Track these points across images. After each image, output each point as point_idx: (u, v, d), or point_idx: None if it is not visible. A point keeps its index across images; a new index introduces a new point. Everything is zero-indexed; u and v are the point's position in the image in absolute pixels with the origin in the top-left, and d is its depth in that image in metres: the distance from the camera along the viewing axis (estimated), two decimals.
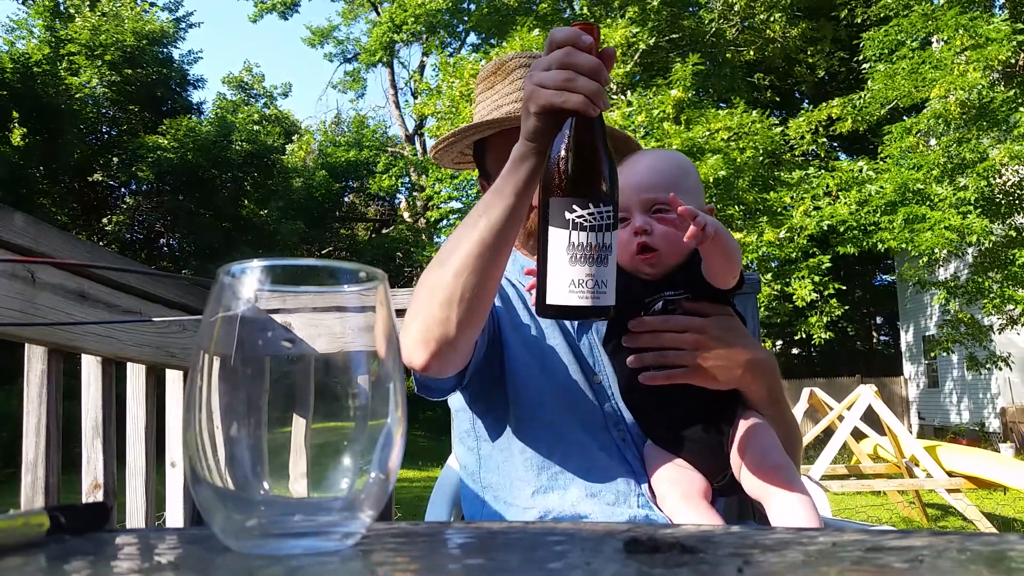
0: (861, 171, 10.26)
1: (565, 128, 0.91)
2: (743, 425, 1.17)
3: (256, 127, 18.54)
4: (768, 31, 16.09)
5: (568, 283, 0.87)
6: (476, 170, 1.50)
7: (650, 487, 1.24)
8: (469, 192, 13.00)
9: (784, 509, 1.08)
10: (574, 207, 0.87)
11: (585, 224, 0.87)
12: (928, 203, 9.45)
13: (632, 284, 1.16)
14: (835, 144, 18.15)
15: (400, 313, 1.45)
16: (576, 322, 1.37)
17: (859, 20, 12.81)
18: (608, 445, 1.28)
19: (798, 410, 6.58)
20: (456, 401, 1.42)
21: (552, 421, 1.28)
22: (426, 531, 0.55)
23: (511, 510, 1.29)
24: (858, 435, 6.66)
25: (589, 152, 0.90)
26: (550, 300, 0.88)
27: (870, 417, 6.16)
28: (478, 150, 1.45)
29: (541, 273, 0.90)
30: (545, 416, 1.28)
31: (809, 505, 1.08)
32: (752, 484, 1.13)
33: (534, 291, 1.39)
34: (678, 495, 1.16)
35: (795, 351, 25.09)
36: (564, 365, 1.32)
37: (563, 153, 0.89)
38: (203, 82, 19.77)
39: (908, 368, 19.10)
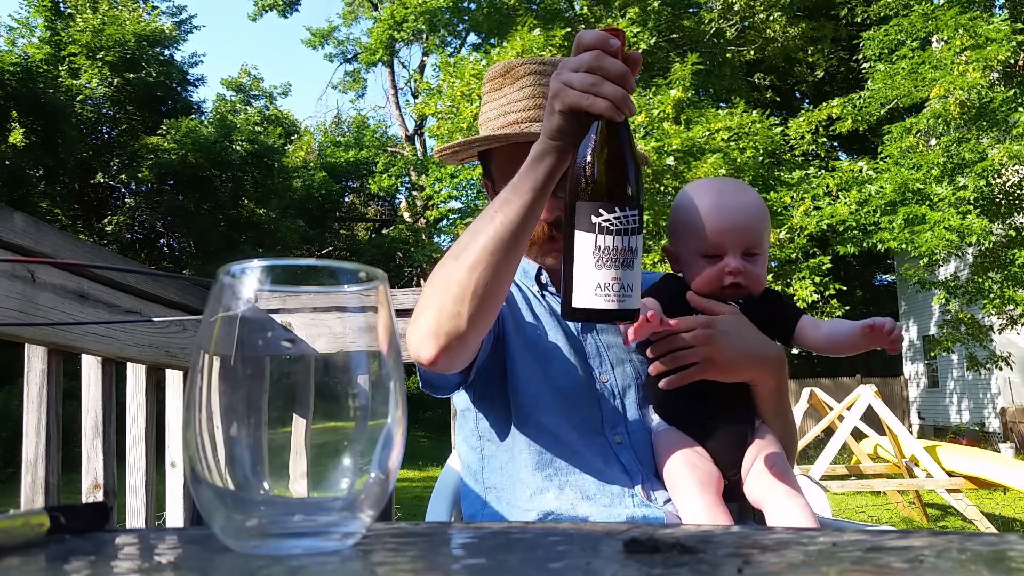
0: (861, 171, 10.25)
1: (591, 132, 0.91)
2: (758, 435, 1.24)
3: (257, 128, 18.53)
4: (768, 31, 16.08)
5: (594, 287, 0.88)
6: (479, 165, 1.50)
7: (646, 485, 1.24)
8: (469, 192, 13.00)
9: (782, 515, 1.10)
10: (600, 211, 0.88)
11: (612, 228, 0.87)
12: (928, 203, 9.45)
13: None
14: (835, 144, 18.15)
15: (400, 313, 1.45)
16: (580, 323, 1.37)
17: (859, 20, 12.81)
18: (604, 449, 1.28)
19: (798, 410, 6.59)
20: (461, 401, 1.42)
21: (549, 423, 1.28)
22: (426, 531, 0.55)
23: (512, 511, 1.29)
24: (858, 435, 6.66)
25: (616, 157, 0.90)
26: (576, 303, 0.89)
27: (870, 417, 6.16)
28: (483, 153, 1.45)
29: (567, 277, 0.90)
30: (542, 418, 1.28)
31: (808, 512, 1.10)
32: (753, 489, 1.16)
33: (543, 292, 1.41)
34: (696, 480, 1.17)
35: (795, 351, 25.06)
36: (566, 367, 1.32)
37: (589, 157, 0.90)
38: (203, 81, 19.77)
39: (908, 368, 19.10)
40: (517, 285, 1.41)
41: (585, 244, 0.88)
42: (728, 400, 1.23)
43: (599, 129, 0.91)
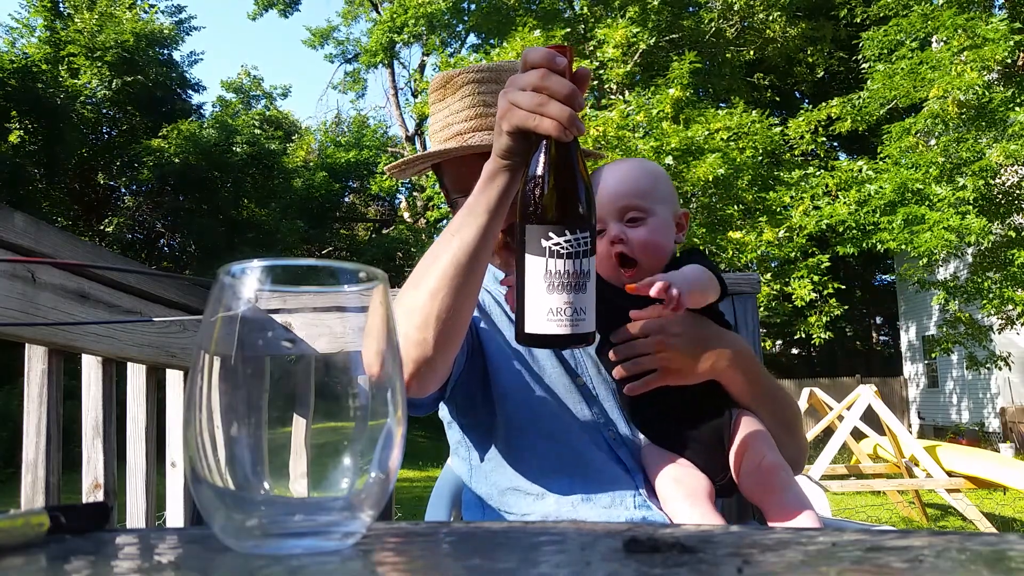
0: (861, 171, 10.26)
1: (539, 153, 0.89)
2: (739, 427, 1.18)
3: (257, 131, 18.50)
4: (768, 31, 16.09)
5: (546, 312, 0.85)
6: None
7: (648, 487, 1.24)
8: None
9: (782, 513, 1.09)
10: (550, 234, 0.85)
11: (562, 252, 0.85)
12: (927, 203, 9.46)
13: (620, 297, 1.14)
14: (835, 144, 18.16)
15: None
16: None
17: (859, 20, 12.82)
18: (601, 445, 1.28)
19: None
20: (445, 414, 1.43)
21: (543, 426, 1.27)
22: (426, 531, 0.55)
23: (509, 519, 1.28)
24: (858, 435, 6.67)
25: (564, 178, 0.88)
26: (528, 329, 0.87)
27: (870, 417, 6.16)
28: (435, 166, 1.43)
29: (519, 301, 0.88)
30: (536, 422, 1.28)
31: (807, 507, 1.09)
32: (749, 489, 1.14)
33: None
34: (683, 494, 1.16)
35: (795, 351, 25.11)
36: (549, 369, 1.32)
37: (537, 179, 0.87)
38: (203, 87, 19.73)
39: (908, 368, 19.10)
40: (488, 291, 1.40)
41: (536, 268, 0.85)
42: (695, 401, 1.18)
43: (547, 149, 0.88)
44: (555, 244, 0.85)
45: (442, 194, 1.51)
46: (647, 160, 1.30)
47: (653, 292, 1.03)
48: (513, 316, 1.35)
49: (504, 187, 0.97)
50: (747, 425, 1.18)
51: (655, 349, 1.13)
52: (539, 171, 0.88)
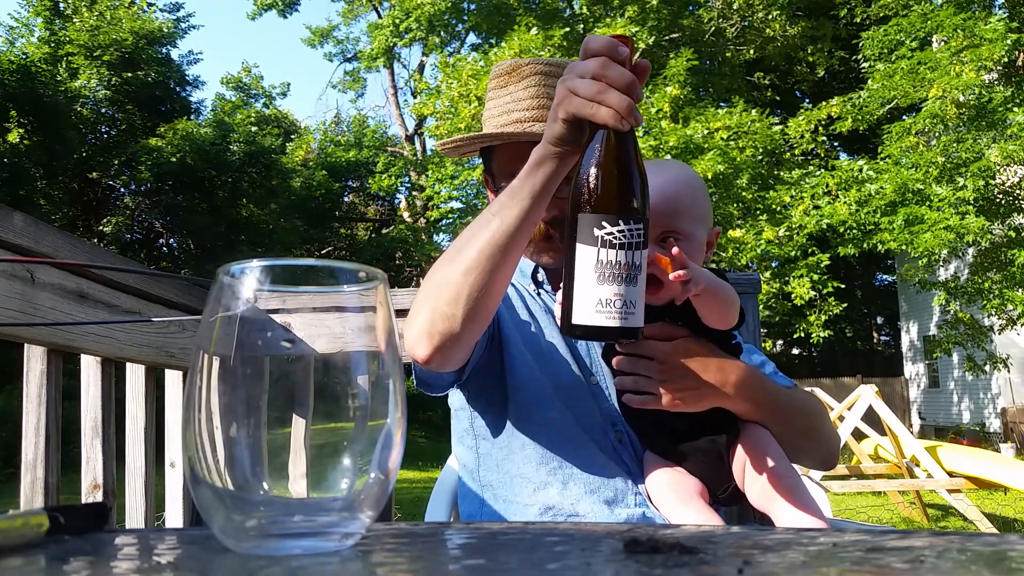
0: (861, 171, 10.26)
1: (595, 142, 0.88)
2: (744, 437, 1.15)
3: (254, 128, 18.48)
4: (768, 30, 16.08)
5: (596, 303, 0.84)
6: (479, 166, 1.50)
7: (647, 490, 1.25)
8: (469, 192, 13.00)
9: (790, 520, 1.08)
10: (603, 224, 0.84)
11: (615, 242, 0.83)
12: (927, 203, 9.46)
13: None
14: (835, 143, 18.16)
15: (399, 313, 1.45)
16: None
17: (859, 19, 12.82)
18: (605, 444, 1.29)
19: None
20: (456, 400, 1.43)
21: (552, 418, 1.29)
22: (426, 531, 0.55)
23: (511, 508, 1.29)
24: (859, 435, 6.66)
25: (620, 167, 0.87)
26: (576, 320, 0.85)
27: (871, 417, 6.16)
28: (485, 150, 1.45)
29: (567, 291, 0.87)
30: (546, 414, 1.29)
31: (816, 512, 1.08)
32: (758, 498, 1.12)
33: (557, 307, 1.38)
34: (675, 498, 1.15)
35: (796, 351, 25.11)
36: (563, 364, 1.33)
37: (593, 168, 0.86)
38: (202, 84, 19.70)
39: (909, 368, 19.11)
40: (512, 284, 1.41)
41: (587, 258, 0.84)
42: (694, 422, 1.14)
43: (604, 139, 0.87)
44: (608, 234, 0.84)
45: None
46: (686, 168, 1.22)
47: (673, 270, 0.99)
48: (529, 313, 1.36)
49: (551, 174, 0.96)
50: (751, 437, 1.15)
51: (656, 375, 1.10)
52: (594, 160, 0.87)
